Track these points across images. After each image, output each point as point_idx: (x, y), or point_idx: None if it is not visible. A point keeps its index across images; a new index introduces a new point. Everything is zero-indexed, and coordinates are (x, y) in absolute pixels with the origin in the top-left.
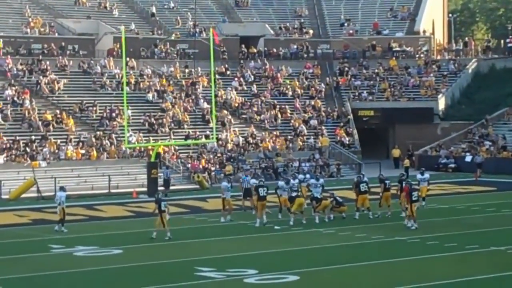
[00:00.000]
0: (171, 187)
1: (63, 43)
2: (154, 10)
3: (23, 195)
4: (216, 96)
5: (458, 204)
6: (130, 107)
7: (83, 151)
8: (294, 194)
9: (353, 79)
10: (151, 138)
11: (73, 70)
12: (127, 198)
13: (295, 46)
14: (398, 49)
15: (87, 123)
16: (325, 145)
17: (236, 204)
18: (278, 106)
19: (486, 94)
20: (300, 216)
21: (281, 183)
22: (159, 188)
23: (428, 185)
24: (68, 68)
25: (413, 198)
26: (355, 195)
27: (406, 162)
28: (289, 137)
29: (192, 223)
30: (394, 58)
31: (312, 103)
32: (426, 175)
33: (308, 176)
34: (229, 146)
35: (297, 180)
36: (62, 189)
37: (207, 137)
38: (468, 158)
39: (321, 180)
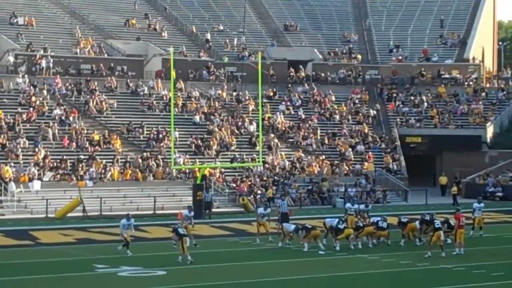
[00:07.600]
0: (216, 209)
1: (112, 64)
2: (208, 36)
3: (69, 214)
4: (263, 119)
5: (505, 233)
6: (177, 129)
7: (129, 172)
8: (343, 225)
9: (401, 105)
10: (197, 160)
11: (121, 91)
12: (172, 219)
13: (343, 71)
14: (447, 76)
15: (134, 144)
16: (370, 170)
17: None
18: (325, 131)
19: None
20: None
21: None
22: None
23: (481, 214)
24: (116, 89)
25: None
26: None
27: (454, 189)
28: (335, 162)
29: (236, 246)
30: (443, 85)
31: (359, 128)
32: (482, 204)
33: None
34: (276, 169)
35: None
36: None
37: (253, 160)
38: None
39: (356, 206)
